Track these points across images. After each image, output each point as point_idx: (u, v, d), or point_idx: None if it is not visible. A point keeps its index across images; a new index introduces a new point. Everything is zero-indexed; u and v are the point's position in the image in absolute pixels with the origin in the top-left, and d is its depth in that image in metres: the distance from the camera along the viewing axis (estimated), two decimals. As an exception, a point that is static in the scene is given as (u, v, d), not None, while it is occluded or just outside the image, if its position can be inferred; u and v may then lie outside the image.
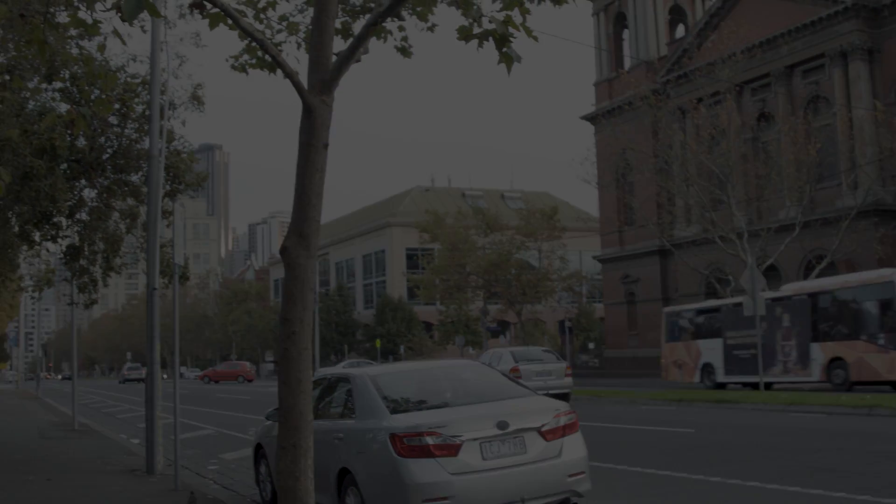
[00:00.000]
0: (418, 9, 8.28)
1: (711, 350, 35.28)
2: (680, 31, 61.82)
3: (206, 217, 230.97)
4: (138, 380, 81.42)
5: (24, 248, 20.13)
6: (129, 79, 16.72)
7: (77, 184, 17.10)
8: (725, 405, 25.11)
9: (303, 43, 8.93)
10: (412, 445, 8.32)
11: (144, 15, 5.47)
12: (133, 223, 18.23)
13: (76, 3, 7.81)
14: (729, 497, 10.67)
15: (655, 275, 58.60)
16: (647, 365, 55.83)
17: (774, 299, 32.51)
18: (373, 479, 8.69)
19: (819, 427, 18.34)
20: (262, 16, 8.65)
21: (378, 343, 74.43)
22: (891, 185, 44.42)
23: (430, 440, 8.30)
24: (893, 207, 44.02)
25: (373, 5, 8.83)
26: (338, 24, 8.34)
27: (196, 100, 17.38)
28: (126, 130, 16.87)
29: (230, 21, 7.04)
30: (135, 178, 17.39)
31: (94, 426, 27.05)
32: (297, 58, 9.03)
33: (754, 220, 45.82)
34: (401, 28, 8.68)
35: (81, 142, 16.18)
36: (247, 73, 8.70)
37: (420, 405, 9.25)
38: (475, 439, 8.41)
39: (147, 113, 15.69)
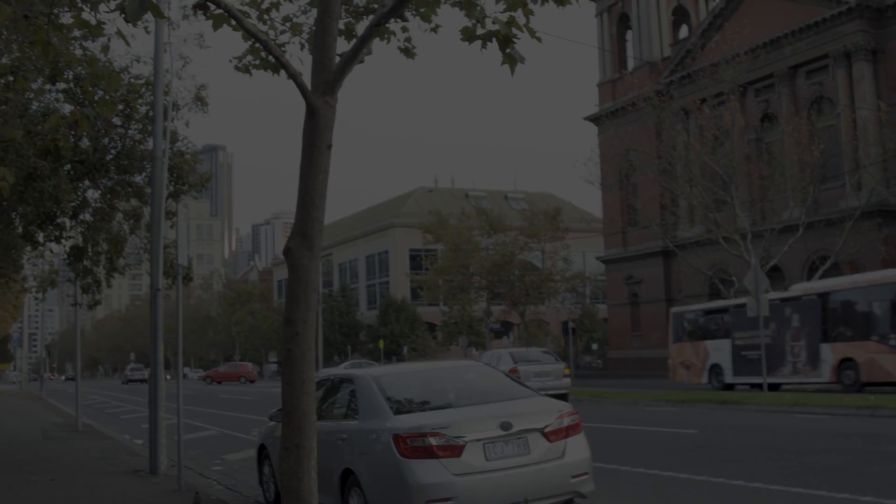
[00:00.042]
0: (421, 10, 8.27)
1: (719, 351, 34.98)
2: (683, 31, 61.75)
3: (210, 218, 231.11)
4: (141, 380, 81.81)
5: (28, 248, 20.17)
6: (132, 80, 16.75)
7: (81, 185, 17.13)
8: (729, 406, 25.08)
9: (306, 44, 8.93)
10: (415, 446, 8.31)
11: (148, 16, 5.48)
12: (137, 224, 18.26)
13: (80, 5, 7.82)
14: (732, 498, 10.65)
15: (659, 276, 58.56)
16: (651, 366, 55.81)
17: (784, 299, 32.34)
18: (376, 479, 8.69)
19: (822, 428, 18.32)
20: (265, 17, 8.65)
21: (381, 344, 74.43)
22: (895, 186, 44.33)
23: (433, 441, 8.30)
24: (897, 208, 43.95)
25: (376, 6, 8.83)
26: (341, 25, 8.34)
27: (199, 101, 17.40)
28: (130, 131, 16.89)
29: (234, 22, 7.05)
30: (138, 178, 17.42)
31: (97, 427, 27.07)
32: (301, 59, 9.02)
33: (758, 221, 45.75)
34: (404, 29, 8.67)
35: (85, 143, 16.20)
36: (250, 74, 8.70)
37: (423, 406, 9.24)
38: (478, 440, 8.40)
39: (150, 114, 15.71)
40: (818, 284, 33.42)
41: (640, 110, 48.39)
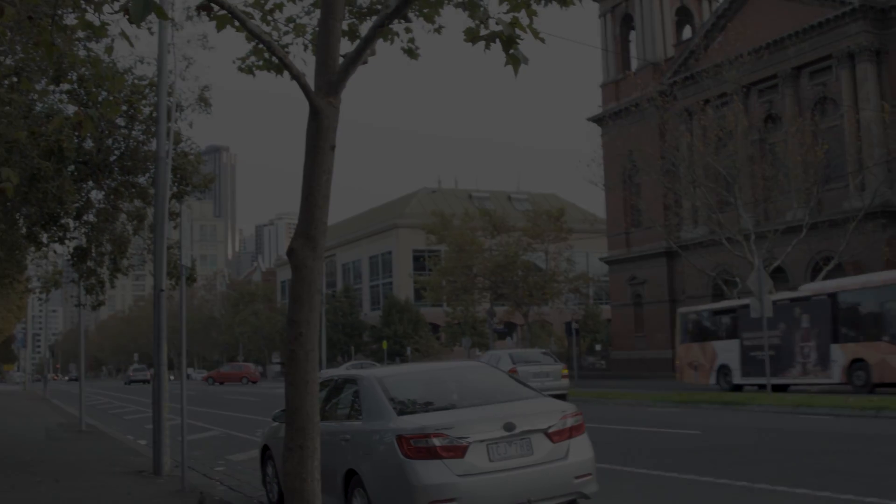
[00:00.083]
0: (425, 10, 8.28)
1: (728, 351, 34.65)
2: (687, 32, 61.74)
3: (213, 219, 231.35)
4: (143, 381, 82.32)
5: (32, 249, 20.18)
6: (136, 81, 16.77)
7: (84, 185, 17.14)
8: (732, 407, 25.05)
9: (310, 45, 8.94)
10: (419, 447, 8.31)
11: (152, 17, 5.48)
12: (140, 225, 18.27)
13: (84, 6, 7.83)
14: (736, 499, 10.64)
15: (662, 276, 58.53)
16: (654, 366, 55.81)
17: (793, 300, 32.13)
18: (379, 480, 8.69)
19: (826, 429, 18.30)
20: (269, 18, 8.66)
21: (385, 345, 74.43)
22: (899, 187, 44.29)
23: (436, 441, 8.30)
24: (901, 209, 43.88)
25: (379, 7, 8.84)
26: (344, 26, 8.34)
27: (203, 101, 17.42)
28: (133, 132, 16.90)
29: (237, 23, 7.05)
30: (142, 179, 17.43)
31: (101, 427, 27.09)
32: (304, 60, 9.04)
33: (761, 222, 45.70)
34: (407, 30, 8.68)
35: (89, 144, 16.21)
36: (254, 75, 8.71)
37: (427, 407, 9.23)
38: (482, 441, 8.40)
39: (154, 115, 15.72)
40: (828, 284, 32.95)
41: (643, 111, 48.38)
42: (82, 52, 15.12)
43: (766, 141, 48.75)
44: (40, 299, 28.88)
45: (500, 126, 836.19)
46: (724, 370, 34.89)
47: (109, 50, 13.50)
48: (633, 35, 62.86)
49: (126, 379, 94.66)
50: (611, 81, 62.61)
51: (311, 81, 7.07)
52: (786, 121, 46.77)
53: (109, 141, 16.78)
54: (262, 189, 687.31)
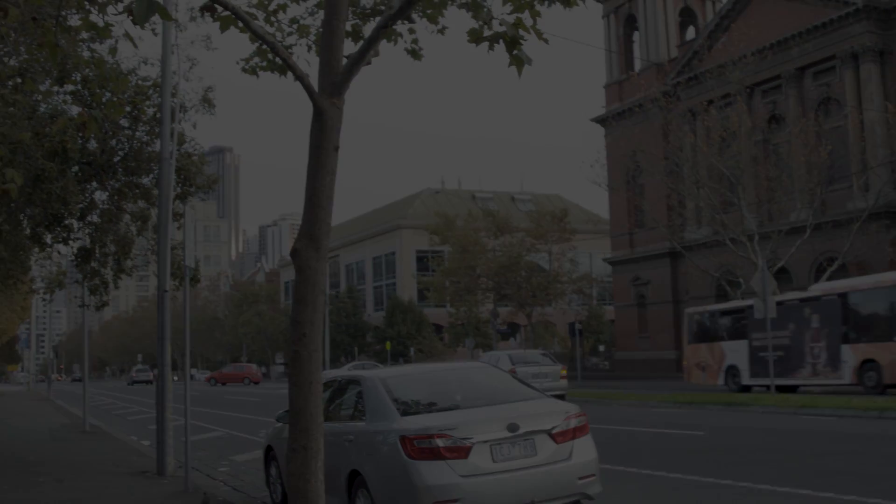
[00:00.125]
0: (428, 11, 8.28)
1: (736, 352, 34.32)
2: (690, 33, 61.72)
3: (217, 219, 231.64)
4: (146, 382, 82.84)
5: (36, 250, 20.18)
6: (140, 81, 16.77)
7: (88, 186, 17.16)
8: (736, 408, 25.01)
9: (313, 45, 8.93)
10: (422, 447, 8.31)
11: (156, 18, 5.49)
12: (144, 225, 18.28)
13: (88, 7, 7.84)
14: (739, 500, 10.64)
15: (666, 277, 58.51)
16: (658, 367, 55.79)
17: (803, 300, 31.92)
18: (383, 480, 8.70)
19: (830, 430, 18.28)
20: (272, 18, 8.66)
21: (388, 345, 74.44)
22: (902, 187, 44.25)
23: (440, 442, 8.30)
24: (905, 209, 43.83)
25: (383, 8, 8.84)
26: (348, 27, 8.34)
27: (207, 102, 17.42)
28: (137, 133, 16.92)
29: (241, 24, 7.06)
30: (146, 180, 17.44)
31: (104, 428, 27.12)
32: (308, 60, 9.02)
33: (765, 223, 45.68)
34: (411, 31, 8.68)
35: (93, 144, 16.23)
36: (257, 76, 8.71)
37: (430, 407, 9.23)
38: (485, 441, 8.40)
39: (158, 115, 15.74)
40: (839, 284, 32.61)
41: (647, 111, 48.38)
42: (86, 54, 15.14)
43: (770, 141, 48.73)
44: (44, 300, 28.97)
45: (502, 125, 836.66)
46: (732, 371, 34.57)
47: (113, 51, 13.52)
48: (636, 36, 62.84)
49: (129, 380, 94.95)
50: (614, 82, 62.61)
51: (314, 82, 7.07)
52: (789, 121, 46.74)
53: (113, 142, 16.79)
54: (265, 190, 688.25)
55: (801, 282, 44.03)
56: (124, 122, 16.67)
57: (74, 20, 9.60)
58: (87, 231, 18.01)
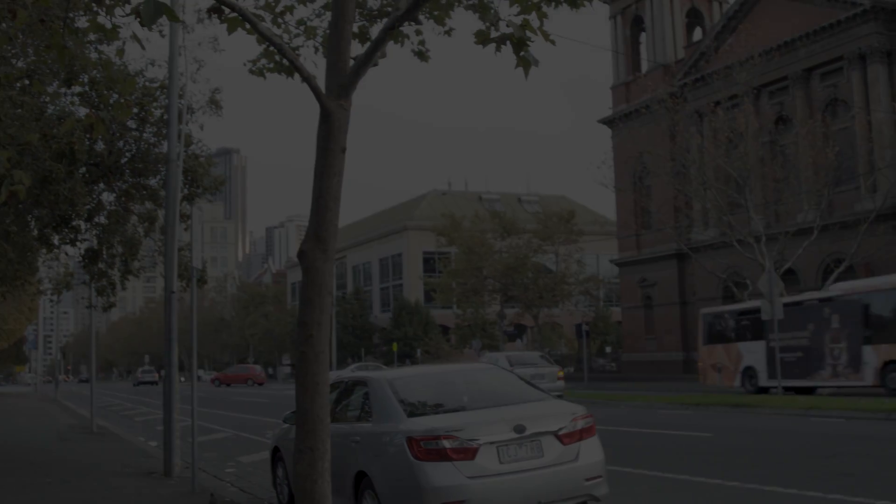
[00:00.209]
0: (435, 13, 8.28)
1: (753, 353, 33.78)
2: (697, 34, 61.62)
3: (224, 220, 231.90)
4: (151, 383, 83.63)
5: (44, 251, 20.25)
6: (147, 83, 16.82)
7: (96, 187, 17.20)
8: (744, 409, 24.97)
9: (320, 47, 8.94)
10: (429, 449, 8.31)
11: (163, 19, 5.49)
12: (151, 227, 18.33)
13: (95, 8, 7.86)
14: (747, 501, 10.62)
15: (673, 279, 58.42)
16: (665, 368, 55.71)
17: (822, 300, 31.55)
18: (389, 482, 8.70)
19: (838, 432, 18.25)
20: (279, 20, 8.67)
21: (395, 347, 74.44)
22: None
23: (446, 443, 8.30)
24: (912, 211, 43.69)
25: (390, 9, 8.84)
26: (355, 29, 8.35)
27: (214, 104, 17.46)
28: (144, 134, 16.95)
29: (248, 25, 7.06)
30: (153, 181, 17.48)
31: (111, 429, 27.18)
32: (315, 62, 9.03)
33: (772, 224, 45.57)
34: (418, 32, 8.68)
35: (100, 146, 16.27)
36: (264, 78, 8.71)
37: (437, 408, 9.23)
38: (492, 443, 8.40)
39: (165, 117, 15.77)
40: (860, 284, 32.11)
41: (653, 113, 48.23)
42: (94, 55, 15.18)
43: (777, 143, 48.61)
44: (51, 301, 28.96)
45: (508, 129, 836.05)
46: (749, 372, 34.11)
47: (121, 53, 13.59)
48: (643, 37, 62.79)
49: (135, 381, 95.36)
50: (621, 83, 62.55)
51: (321, 84, 7.07)
52: (796, 122, 46.59)
53: (121, 143, 16.84)
54: (272, 191, 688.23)
55: (809, 283, 43.92)
56: (132, 124, 16.71)
57: (82, 22, 9.64)
58: (94, 232, 18.06)
